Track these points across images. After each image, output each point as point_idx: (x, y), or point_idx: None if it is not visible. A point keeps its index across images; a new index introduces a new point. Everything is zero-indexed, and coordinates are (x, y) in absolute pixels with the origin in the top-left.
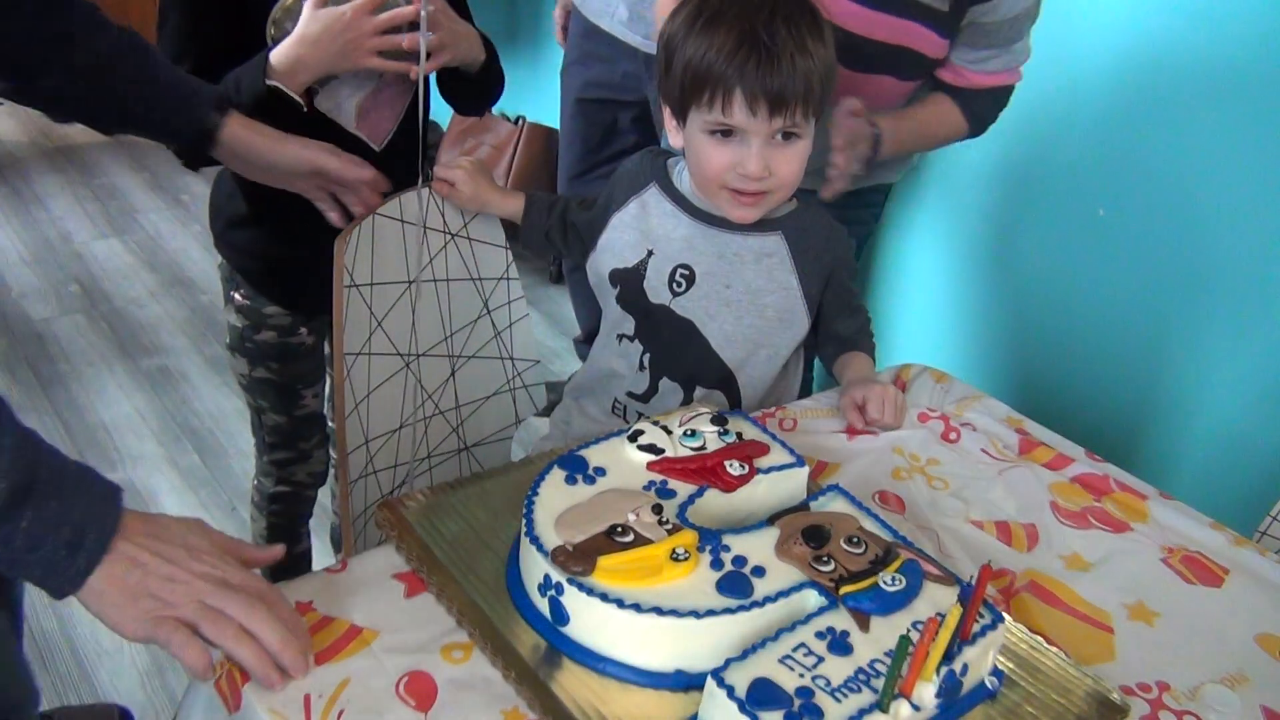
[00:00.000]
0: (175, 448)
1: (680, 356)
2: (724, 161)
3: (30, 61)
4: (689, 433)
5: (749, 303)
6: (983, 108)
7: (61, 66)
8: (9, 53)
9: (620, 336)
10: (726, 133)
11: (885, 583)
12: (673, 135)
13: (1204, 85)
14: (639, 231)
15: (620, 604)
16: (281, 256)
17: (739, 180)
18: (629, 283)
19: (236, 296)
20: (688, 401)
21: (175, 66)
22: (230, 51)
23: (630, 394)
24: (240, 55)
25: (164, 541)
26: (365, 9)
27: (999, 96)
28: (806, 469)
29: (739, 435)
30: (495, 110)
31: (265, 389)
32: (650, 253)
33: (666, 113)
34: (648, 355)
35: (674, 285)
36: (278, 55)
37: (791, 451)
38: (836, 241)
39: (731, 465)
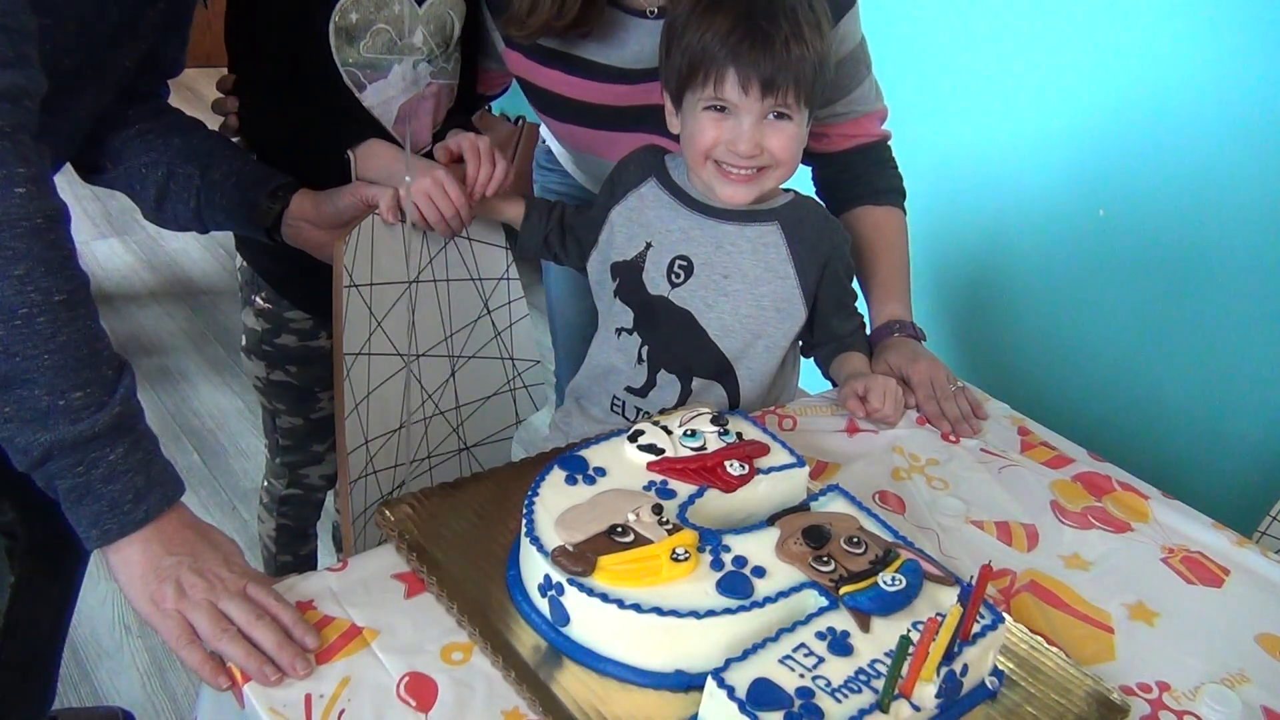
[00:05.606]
0: (175, 448)
1: (678, 347)
2: (715, 135)
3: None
4: (689, 433)
5: (746, 292)
6: (876, 177)
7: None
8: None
9: (619, 330)
10: (720, 108)
11: (885, 583)
12: (670, 120)
13: (1204, 85)
14: (638, 224)
15: (620, 604)
16: (307, 261)
17: (729, 156)
18: (628, 275)
19: (258, 300)
20: (686, 394)
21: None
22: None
23: (629, 389)
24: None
25: (208, 544)
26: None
27: (872, 154)
28: (806, 469)
29: (739, 435)
30: (495, 110)
31: (283, 392)
32: (649, 245)
33: (665, 98)
34: (646, 348)
35: (672, 276)
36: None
37: (791, 451)
38: (832, 232)
39: (731, 465)
